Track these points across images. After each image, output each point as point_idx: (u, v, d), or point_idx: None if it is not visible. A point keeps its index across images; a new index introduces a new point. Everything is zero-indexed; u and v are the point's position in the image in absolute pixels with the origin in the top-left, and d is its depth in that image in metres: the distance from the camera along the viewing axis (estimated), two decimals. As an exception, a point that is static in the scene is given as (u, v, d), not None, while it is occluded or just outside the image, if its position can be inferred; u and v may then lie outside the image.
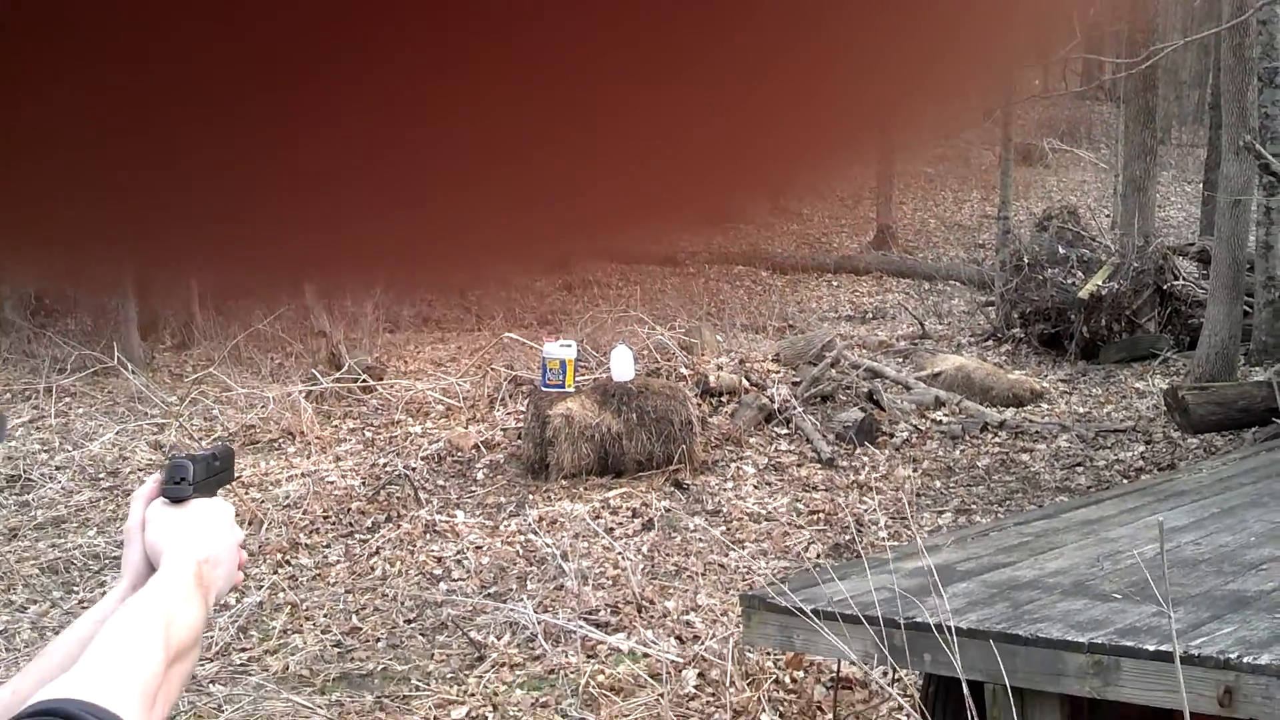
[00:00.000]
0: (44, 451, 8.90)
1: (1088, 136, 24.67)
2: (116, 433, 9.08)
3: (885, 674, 4.57)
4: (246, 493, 7.81)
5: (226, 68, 0.29)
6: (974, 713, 3.86)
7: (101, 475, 8.45)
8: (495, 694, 5.28)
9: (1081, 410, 9.95)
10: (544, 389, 8.29)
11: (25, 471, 8.40)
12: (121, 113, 0.30)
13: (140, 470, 8.45)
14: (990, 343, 12.64)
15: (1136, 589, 4.19)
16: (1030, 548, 5.32)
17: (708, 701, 5.05)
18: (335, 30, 0.29)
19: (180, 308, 13.50)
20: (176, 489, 1.53)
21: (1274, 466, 7.01)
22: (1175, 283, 11.90)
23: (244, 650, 5.94)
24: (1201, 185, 17.15)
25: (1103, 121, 24.33)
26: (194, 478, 1.54)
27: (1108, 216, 17.27)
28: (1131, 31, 15.82)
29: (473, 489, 8.14)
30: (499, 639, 5.86)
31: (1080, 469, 8.46)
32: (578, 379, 8.52)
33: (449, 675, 5.57)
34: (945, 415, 9.51)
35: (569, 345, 8.53)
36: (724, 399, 9.35)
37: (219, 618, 6.07)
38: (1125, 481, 8.01)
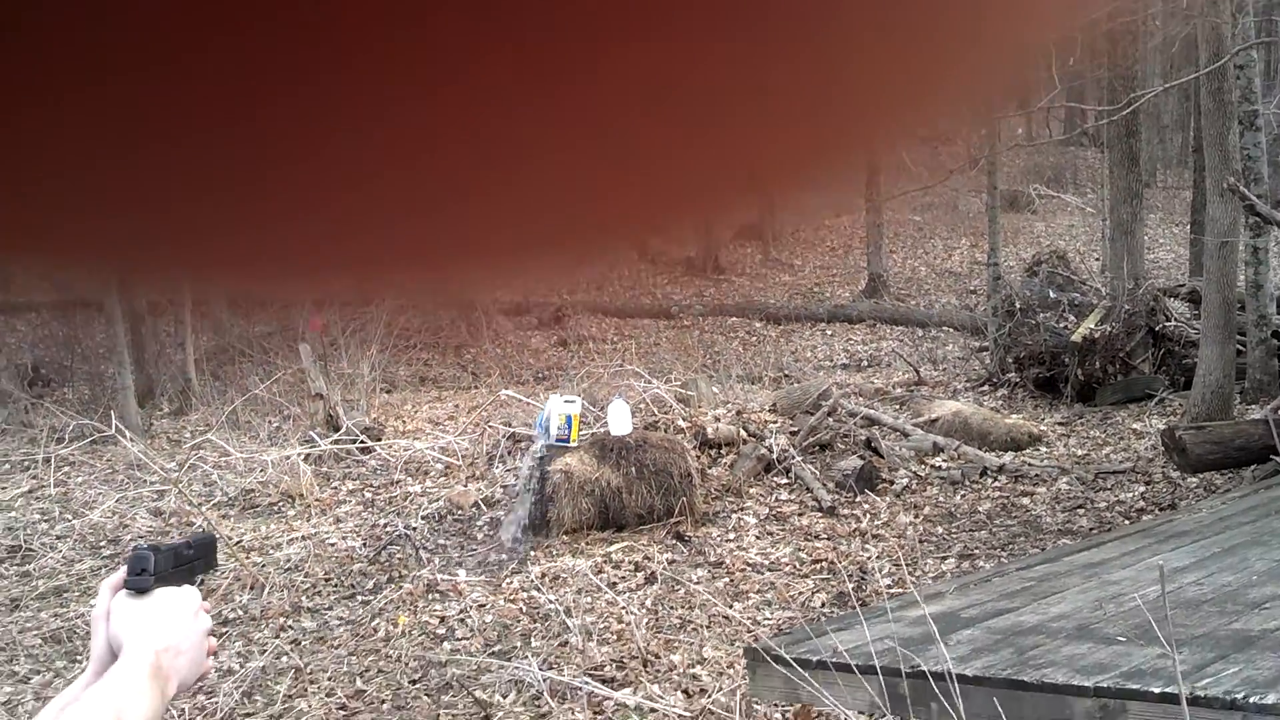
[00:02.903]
0: (44, 521, 8.88)
1: (1073, 182, 24.87)
2: (116, 500, 9.07)
3: (893, 722, 4.56)
4: (248, 557, 7.80)
5: (242, 70, 0.30)
6: (984, 759, 3.86)
7: (102, 543, 8.44)
8: (503, 753, 5.26)
9: (1080, 453, 9.97)
10: (553, 445, 8.29)
11: (26, 542, 8.39)
12: (134, 120, 0.31)
13: (141, 537, 8.43)
14: (986, 388, 12.69)
15: (1140, 631, 4.20)
16: (1033, 592, 5.33)
17: (716, 755, 5.03)
18: (347, 32, 0.29)
19: (177, 373, 13.54)
20: (138, 580, 1.54)
21: (1273, 504, 7.03)
22: (1167, 324, 11.97)
23: (248, 716, 5.91)
24: (1189, 227, 17.29)
25: (1088, 167, 24.56)
26: (156, 568, 1.55)
27: (1097, 260, 17.39)
28: (1112, 79, 16.01)
29: (474, 547, 8.13)
30: (504, 698, 5.84)
31: (1081, 511, 8.47)
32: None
33: (455, 736, 5.55)
34: (944, 461, 9.53)
35: (573, 400, 8.56)
36: (722, 450, 9.37)
37: (222, 684, 6.05)
38: (1126, 523, 8.02)
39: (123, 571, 1.57)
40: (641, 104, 0.33)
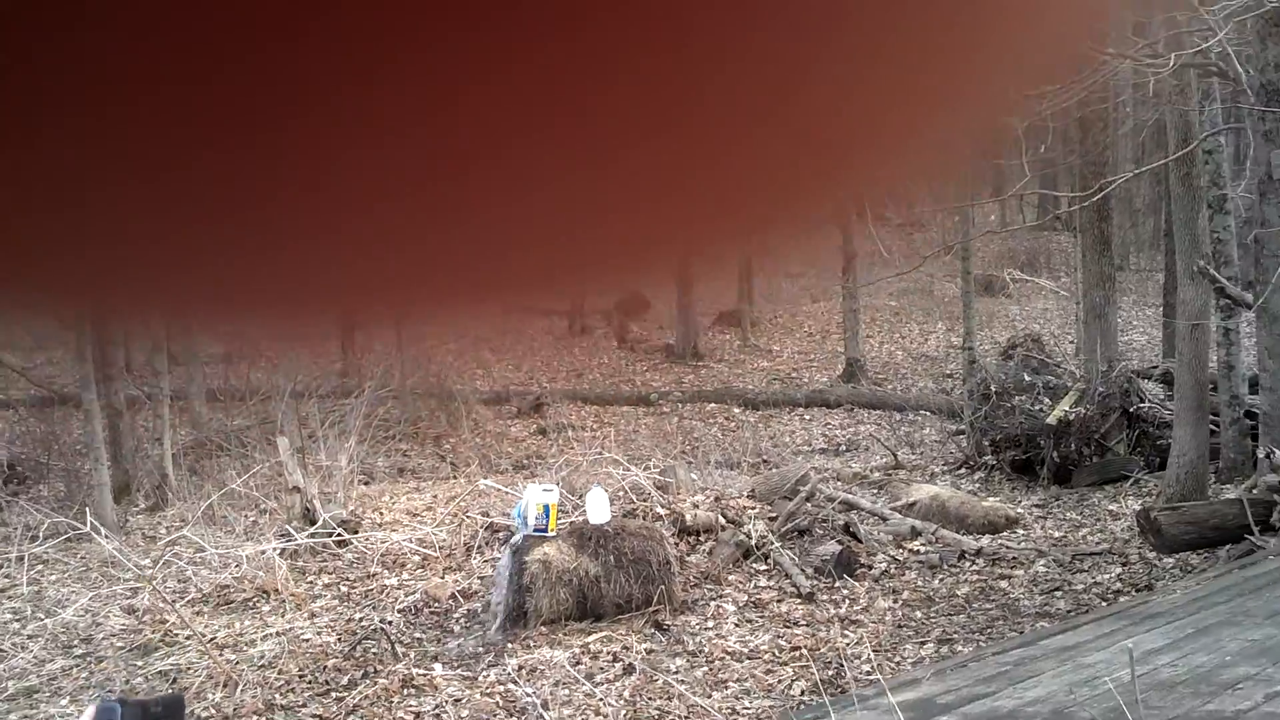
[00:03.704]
0: (15, 620, 8.78)
1: (1047, 266, 25.16)
2: (90, 599, 8.97)
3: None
4: (221, 654, 7.71)
5: (245, 92, 0.30)
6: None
7: (75, 643, 8.33)
8: None
9: (1057, 535, 9.98)
10: (532, 535, 8.25)
11: (-4, 642, 8.28)
12: (137, 146, 0.31)
13: (113, 636, 8.33)
14: (963, 471, 12.72)
15: (1115, 714, 4.19)
16: (1009, 677, 5.32)
17: None
18: (350, 56, 0.30)
19: (154, 469, 13.46)
20: None
21: (1248, 584, 7.04)
22: (1141, 405, 12.06)
23: (220, 817, 5.81)
24: (1161, 309, 17.48)
25: (1061, 250, 24.85)
26: None
27: (1071, 343, 17.55)
28: (1083, 165, 16.27)
29: (450, 640, 8.06)
30: (480, 794, 5.75)
31: (1059, 593, 8.46)
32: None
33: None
34: (922, 545, 9.52)
35: (550, 489, 8.55)
36: (701, 537, 9.34)
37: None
38: (1103, 604, 8.01)
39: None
40: (635, 138, 0.34)
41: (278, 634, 8.14)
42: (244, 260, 0.37)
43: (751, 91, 0.34)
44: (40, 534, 10.28)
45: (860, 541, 9.45)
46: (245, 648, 7.95)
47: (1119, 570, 8.82)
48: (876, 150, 0.39)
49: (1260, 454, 9.61)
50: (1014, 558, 9.25)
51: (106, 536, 9.69)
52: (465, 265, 0.39)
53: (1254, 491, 9.20)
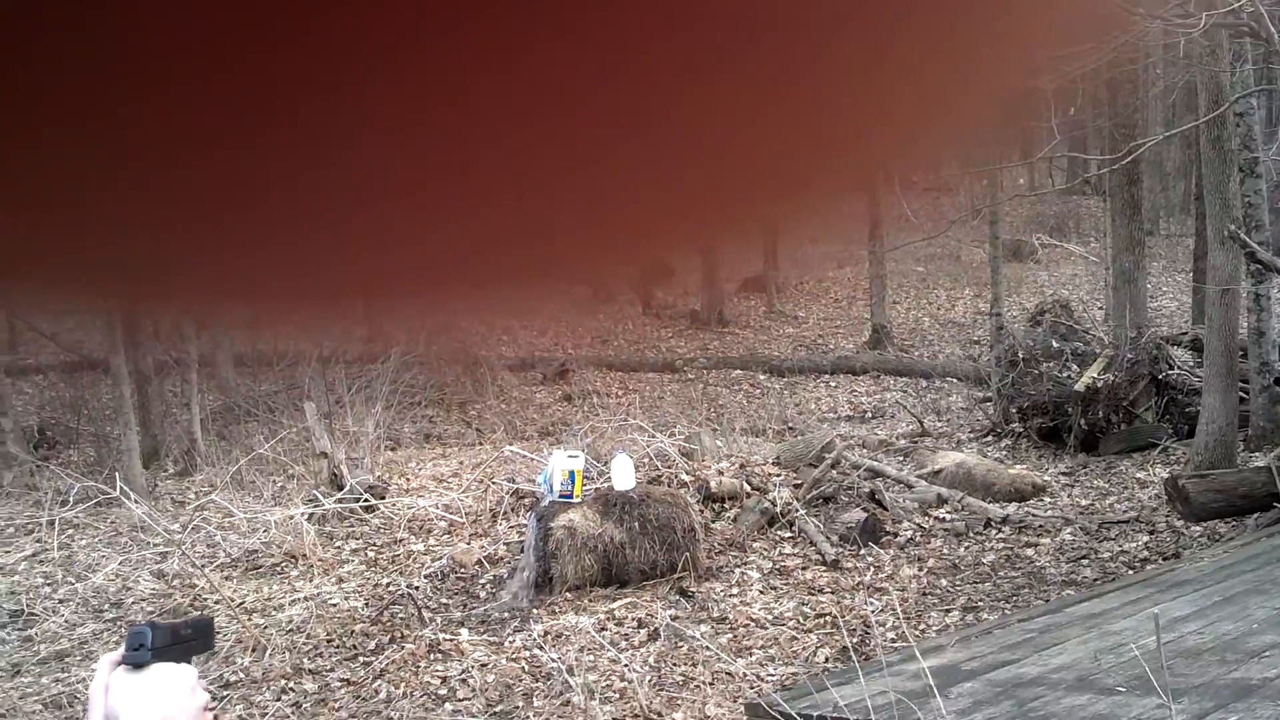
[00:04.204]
0: (47, 585, 8.88)
1: (1076, 231, 24.93)
2: (120, 563, 9.07)
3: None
4: (250, 619, 7.78)
5: (235, 100, 0.30)
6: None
7: (105, 607, 8.43)
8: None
9: (1084, 503, 9.94)
10: (558, 501, 8.28)
11: (28, 606, 8.38)
12: (134, 146, 0.31)
13: (143, 600, 8.43)
14: (990, 438, 12.67)
15: (1140, 682, 4.18)
16: (1034, 644, 5.31)
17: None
18: (357, 44, 0.30)
19: (182, 434, 13.56)
20: (135, 655, 1.58)
21: (1275, 552, 7.00)
22: (1170, 372, 11.97)
23: (249, 779, 5.88)
24: (1191, 274, 17.32)
25: (1090, 215, 24.62)
26: (153, 644, 1.59)
27: (1100, 309, 17.40)
28: (1113, 128, 16.09)
29: (477, 606, 8.11)
30: (506, 758, 5.80)
31: (1085, 562, 8.44)
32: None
33: (456, 797, 5.50)
34: (948, 513, 9.50)
35: (576, 456, 8.57)
36: (726, 504, 9.35)
37: (223, 747, 6.02)
38: (1131, 573, 7.99)
39: (122, 648, 1.61)
40: (631, 133, 0.34)
41: (306, 599, 8.22)
42: (255, 255, 0.37)
43: (765, 71, 0.33)
44: (70, 498, 10.38)
45: (886, 509, 9.44)
46: (273, 612, 8.03)
47: (1146, 538, 8.78)
48: (901, 125, 0.38)
49: (1290, 421, 9.54)
50: (1040, 526, 9.22)
51: (136, 501, 9.78)
52: (475, 258, 0.38)
53: (1283, 459, 9.14)
